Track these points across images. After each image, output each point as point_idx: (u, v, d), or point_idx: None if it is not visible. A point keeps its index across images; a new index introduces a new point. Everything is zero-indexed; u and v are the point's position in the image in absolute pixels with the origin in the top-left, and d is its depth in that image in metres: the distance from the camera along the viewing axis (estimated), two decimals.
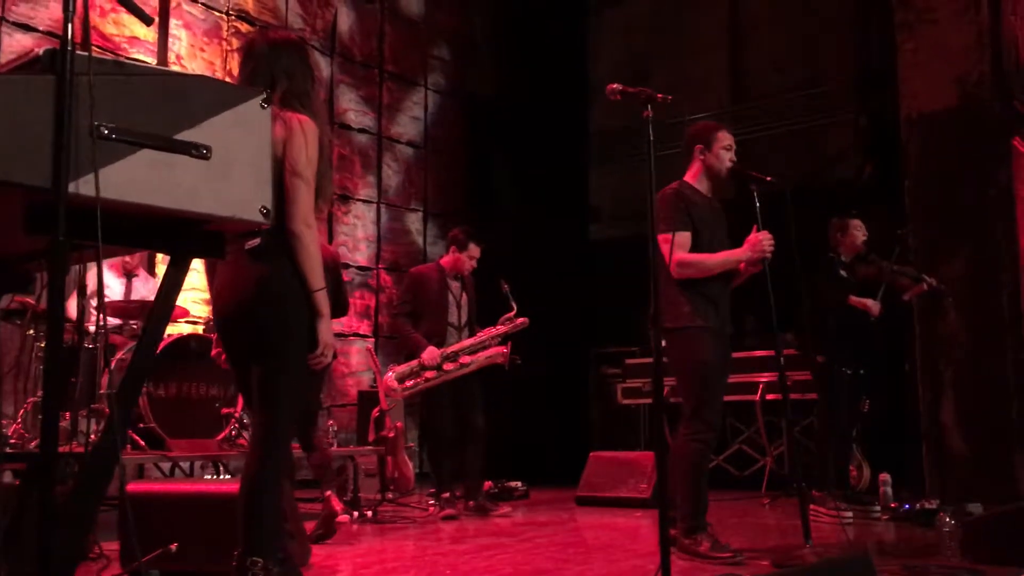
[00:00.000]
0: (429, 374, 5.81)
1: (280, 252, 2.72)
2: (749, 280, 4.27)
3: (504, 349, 5.96)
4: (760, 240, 4.06)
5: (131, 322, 5.72)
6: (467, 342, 5.96)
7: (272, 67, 2.88)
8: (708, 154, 4.31)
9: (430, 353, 5.80)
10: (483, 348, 5.96)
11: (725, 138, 4.33)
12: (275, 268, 2.73)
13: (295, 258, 2.71)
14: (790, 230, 3.91)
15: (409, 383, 5.83)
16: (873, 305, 5.68)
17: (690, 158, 4.38)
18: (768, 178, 4.11)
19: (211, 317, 3.29)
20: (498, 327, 6.02)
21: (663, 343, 4.23)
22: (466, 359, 5.89)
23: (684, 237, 4.11)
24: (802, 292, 5.62)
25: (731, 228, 4.43)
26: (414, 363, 5.83)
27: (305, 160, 2.73)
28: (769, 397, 7.09)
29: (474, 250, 6.03)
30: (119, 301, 5.78)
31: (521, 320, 6.04)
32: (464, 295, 6.13)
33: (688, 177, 4.36)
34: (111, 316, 5.64)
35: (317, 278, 2.74)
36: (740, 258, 4.16)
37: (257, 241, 2.71)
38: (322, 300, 2.76)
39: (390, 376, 5.85)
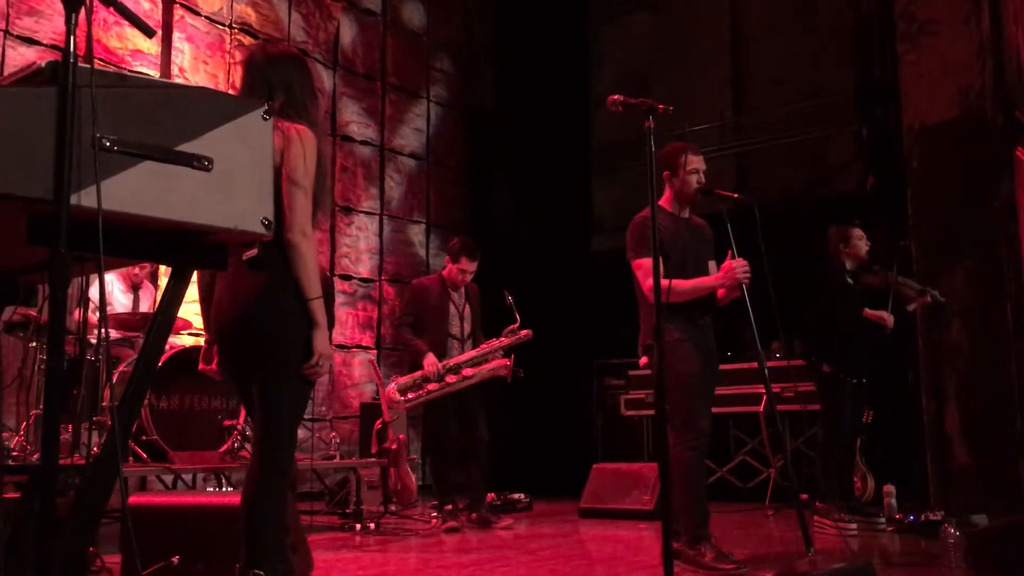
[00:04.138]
0: (431, 386, 5.78)
1: (278, 262, 2.71)
2: (751, 293, 4.27)
3: (507, 361, 5.93)
4: (734, 268, 4.10)
5: (135, 334, 5.71)
6: (469, 354, 5.93)
7: (270, 79, 2.89)
8: (674, 179, 4.38)
9: (430, 361, 5.76)
10: (485, 360, 5.93)
11: (691, 161, 4.36)
12: (274, 278, 2.73)
13: (292, 267, 2.71)
14: (759, 244, 3.94)
15: (411, 395, 5.81)
16: (888, 317, 5.67)
17: (661, 182, 4.44)
18: (735, 195, 4.18)
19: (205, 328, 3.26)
20: (501, 339, 5.98)
21: (645, 360, 4.31)
22: (468, 371, 5.85)
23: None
24: (798, 303, 5.62)
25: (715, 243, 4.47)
26: (416, 375, 5.81)
27: (303, 170, 2.74)
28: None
29: (465, 263, 5.97)
30: (123, 313, 5.78)
31: (525, 332, 6.00)
32: (467, 306, 6.11)
33: (662, 201, 4.42)
34: (115, 328, 5.64)
35: (314, 287, 2.73)
36: (713, 285, 4.23)
37: (255, 251, 2.71)
38: (318, 309, 2.75)
39: (392, 388, 5.82)
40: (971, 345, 6.04)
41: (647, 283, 4.13)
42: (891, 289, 5.76)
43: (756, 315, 3.99)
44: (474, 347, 6.02)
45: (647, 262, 4.11)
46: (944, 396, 6.09)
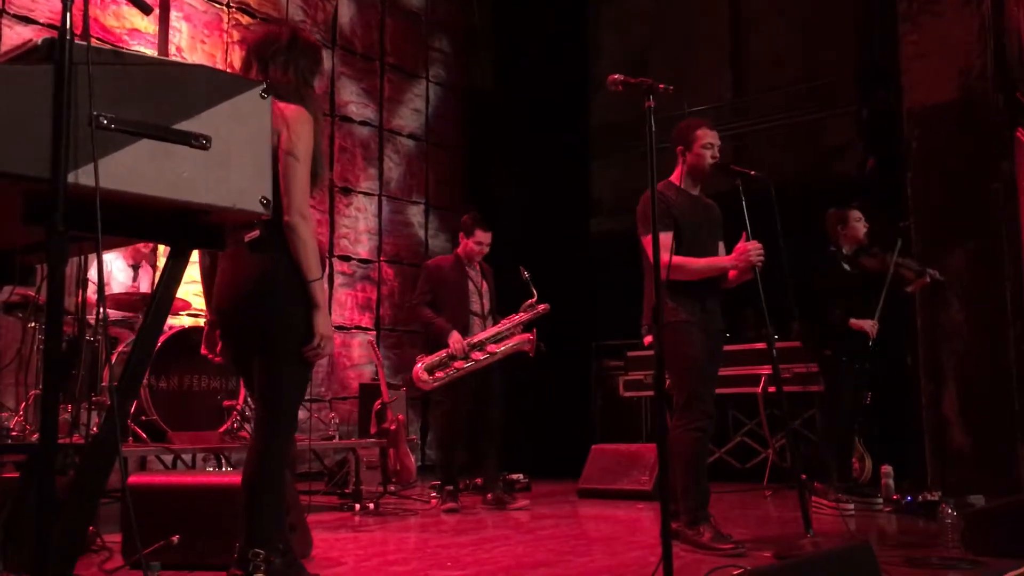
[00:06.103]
0: (459, 364, 5.71)
1: (279, 244, 2.71)
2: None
3: (530, 336, 5.92)
4: (748, 250, 4.07)
5: (134, 315, 5.71)
6: (492, 330, 5.89)
7: (267, 58, 2.88)
8: (688, 153, 4.35)
9: (456, 339, 5.69)
10: (508, 336, 5.92)
11: (705, 135, 4.33)
12: (275, 260, 2.73)
13: (291, 249, 2.70)
14: (775, 223, 3.92)
15: (439, 373, 5.69)
16: (871, 328, 5.64)
17: (674, 158, 4.42)
18: (752, 172, 4.14)
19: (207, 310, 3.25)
20: (520, 314, 5.97)
21: (649, 339, 4.29)
22: (493, 347, 5.83)
23: (666, 238, 4.10)
24: (795, 286, 5.61)
25: (725, 222, 4.44)
26: (442, 353, 5.71)
27: (299, 151, 2.73)
28: (771, 390, 7.08)
29: (480, 236, 5.94)
30: (122, 294, 5.78)
31: (543, 307, 5.98)
32: (484, 283, 6.09)
33: (673, 177, 4.41)
34: (114, 309, 5.63)
35: (313, 269, 2.73)
36: (726, 266, 4.20)
37: (256, 233, 2.71)
38: (318, 291, 2.75)
39: (419, 368, 5.71)
40: (970, 327, 6.04)
41: (662, 258, 4.10)
42: (889, 272, 5.75)
43: (759, 298, 3.99)
44: (494, 324, 5.99)
45: (661, 237, 4.08)
46: (942, 377, 6.09)
